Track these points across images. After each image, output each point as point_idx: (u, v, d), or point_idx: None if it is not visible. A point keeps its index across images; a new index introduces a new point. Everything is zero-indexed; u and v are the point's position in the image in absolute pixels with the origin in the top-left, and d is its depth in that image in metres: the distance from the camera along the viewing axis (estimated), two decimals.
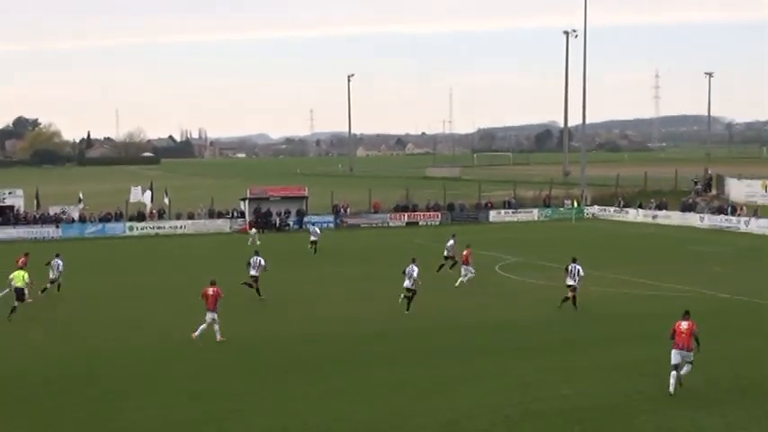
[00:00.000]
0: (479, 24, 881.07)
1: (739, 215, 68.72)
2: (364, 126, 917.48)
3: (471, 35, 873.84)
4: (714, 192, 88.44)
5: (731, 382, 23.74)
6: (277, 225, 71.42)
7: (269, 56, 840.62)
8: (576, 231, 68.83)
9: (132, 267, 49.90)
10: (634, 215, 77.50)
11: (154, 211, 72.78)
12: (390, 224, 74.49)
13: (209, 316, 28.94)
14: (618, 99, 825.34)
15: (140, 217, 71.80)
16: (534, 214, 79.95)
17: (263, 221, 71.21)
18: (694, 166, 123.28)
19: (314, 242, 55.10)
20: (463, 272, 40.34)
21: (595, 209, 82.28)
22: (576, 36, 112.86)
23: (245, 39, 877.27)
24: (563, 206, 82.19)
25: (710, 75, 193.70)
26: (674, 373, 22.61)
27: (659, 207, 76.49)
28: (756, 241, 59.53)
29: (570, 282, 34.51)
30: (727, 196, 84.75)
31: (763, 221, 65.68)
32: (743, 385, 23.42)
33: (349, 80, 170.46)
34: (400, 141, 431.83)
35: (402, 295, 34.31)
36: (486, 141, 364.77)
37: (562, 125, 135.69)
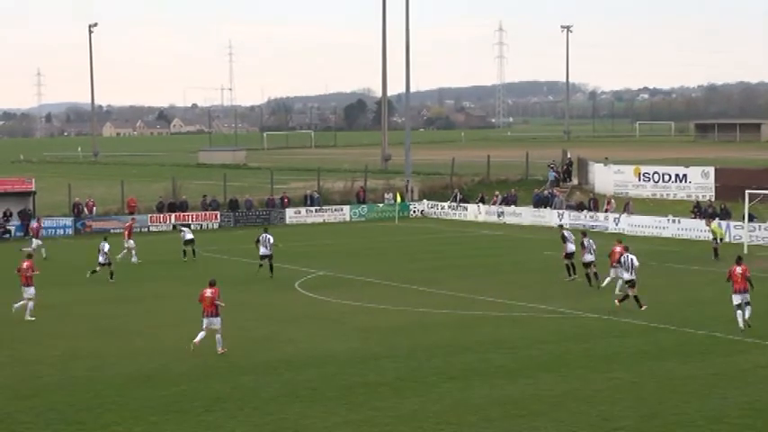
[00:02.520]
0: None
1: (607, 211, 71.59)
2: (113, 96, 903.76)
3: None
4: (575, 181, 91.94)
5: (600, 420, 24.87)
6: None
7: None
8: (401, 234, 70.07)
9: None
10: (474, 212, 79.53)
11: None
12: (152, 228, 73.67)
13: (205, 323, 33.06)
14: (452, 61, 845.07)
15: None
16: (345, 213, 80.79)
17: None
18: (550, 147, 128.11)
19: (189, 241, 57.50)
20: (612, 274, 43.49)
21: (425, 205, 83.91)
22: None
23: None
24: (383, 202, 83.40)
25: (569, 29, 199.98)
26: (739, 312, 35.26)
27: (506, 202, 78.77)
28: (630, 244, 62.12)
29: (627, 276, 39.85)
30: (592, 186, 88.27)
31: (636, 219, 68.72)
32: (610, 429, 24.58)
33: (91, 32, 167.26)
34: (163, 116, 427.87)
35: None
36: (280, 116, 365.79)
37: (379, 95, 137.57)
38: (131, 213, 74.42)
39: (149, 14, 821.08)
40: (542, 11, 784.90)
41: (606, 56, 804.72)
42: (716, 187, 79.60)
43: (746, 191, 58.66)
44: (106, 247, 49.64)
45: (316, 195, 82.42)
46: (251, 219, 77.01)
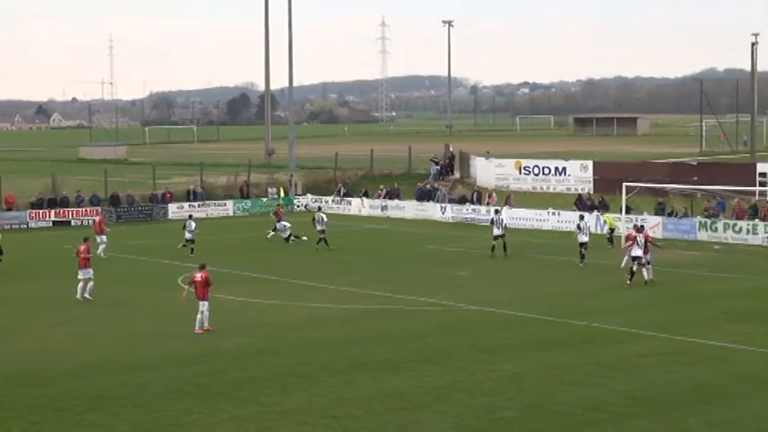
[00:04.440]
0: None
1: (488, 204, 72.33)
2: None
3: None
4: (457, 174, 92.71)
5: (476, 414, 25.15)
6: None
7: None
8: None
9: None
10: (358, 206, 79.71)
11: None
12: (31, 225, 72.42)
13: (198, 305, 35.23)
14: (335, 55, 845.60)
15: None
16: (229, 208, 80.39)
17: None
18: (432, 141, 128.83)
19: (322, 232, 58.51)
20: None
21: (308, 199, 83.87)
22: None
23: None
24: (266, 196, 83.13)
25: (450, 23, 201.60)
26: (641, 268, 43.97)
27: (390, 195, 79.11)
28: (511, 237, 62.91)
29: (637, 253, 44.25)
30: (474, 180, 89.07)
31: (517, 211, 69.47)
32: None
33: None
34: (42, 110, 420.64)
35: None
36: (162, 111, 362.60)
37: (263, 89, 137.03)
38: (9, 209, 73.19)
39: (26, 6, 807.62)
40: (424, 5, 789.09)
41: (487, 51, 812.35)
42: (594, 180, 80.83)
43: (623, 184, 59.68)
44: (192, 225, 56.62)
45: (199, 190, 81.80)
46: (133, 214, 76.15)
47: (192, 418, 25.19)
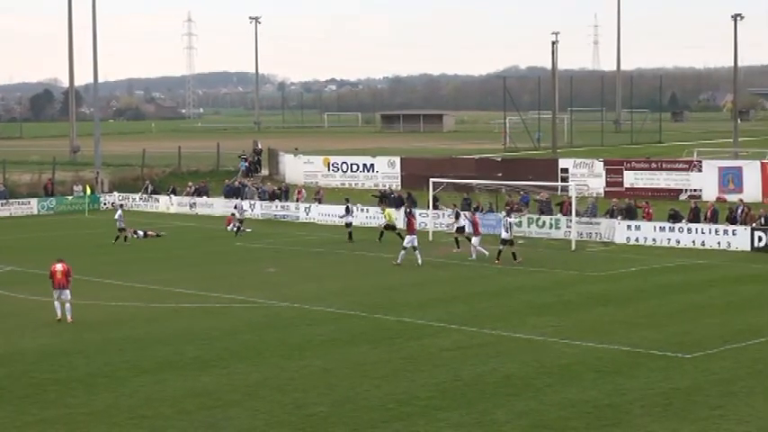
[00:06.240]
0: None
1: (298, 200, 72.44)
2: None
3: None
4: (266, 171, 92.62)
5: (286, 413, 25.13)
6: None
7: None
8: (91, 227, 68.63)
9: None
10: (166, 203, 78.83)
11: None
12: None
13: (57, 294, 36.05)
14: (141, 51, 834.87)
15: None
16: (33, 206, 78.54)
17: None
18: (241, 138, 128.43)
19: (240, 221, 63.54)
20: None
21: (116, 196, 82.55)
22: None
23: None
24: (72, 194, 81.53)
25: (257, 20, 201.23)
26: (402, 252, 48.12)
27: (198, 192, 78.47)
28: (321, 232, 63.15)
29: (506, 236, 48.91)
30: (283, 176, 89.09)
31: (326, 208, 69.69)
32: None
33: None
34: None
35: None
36: None
37: (67, 85, 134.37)
38: None
39: None
40: (231, 2, 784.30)
41: (295, 48, 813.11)
42: (402, 176, 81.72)
43: (430, 179, 60.49)
44: (118, 213, 59.52)
45: (1, 188, 79.66)
46: None
47: None
